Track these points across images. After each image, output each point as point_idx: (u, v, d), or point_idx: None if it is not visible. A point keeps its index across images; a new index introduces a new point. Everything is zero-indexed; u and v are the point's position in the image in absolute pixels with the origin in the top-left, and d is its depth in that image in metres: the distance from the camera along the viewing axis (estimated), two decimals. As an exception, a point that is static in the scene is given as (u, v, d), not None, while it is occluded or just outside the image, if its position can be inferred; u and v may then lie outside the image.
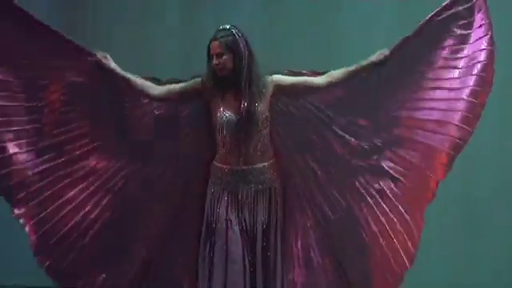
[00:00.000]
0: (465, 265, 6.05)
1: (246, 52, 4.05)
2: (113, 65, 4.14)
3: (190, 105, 4.22)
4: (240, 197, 4.12)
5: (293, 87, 4.18)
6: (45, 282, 6.18)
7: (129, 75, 4.15)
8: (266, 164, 4.15)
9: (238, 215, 4.10)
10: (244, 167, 4.10)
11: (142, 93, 4.15)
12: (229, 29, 4.07)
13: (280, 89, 4.17)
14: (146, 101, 4.19)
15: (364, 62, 4.20)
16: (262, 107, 4.07)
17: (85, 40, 6.35)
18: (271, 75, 4.18)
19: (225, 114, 4.06)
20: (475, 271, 6.05)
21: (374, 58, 4.20)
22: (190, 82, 4.16)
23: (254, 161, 4.11)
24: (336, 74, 4.21)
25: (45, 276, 6.12)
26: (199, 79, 4.14)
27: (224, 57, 4.03)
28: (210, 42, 4.06)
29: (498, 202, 6.06)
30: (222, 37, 4.04)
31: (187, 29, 6.14)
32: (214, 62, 4.03)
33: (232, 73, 4.05)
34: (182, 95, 4.17)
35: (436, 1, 4.39)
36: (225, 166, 4.12)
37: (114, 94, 4.17)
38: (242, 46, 4.05)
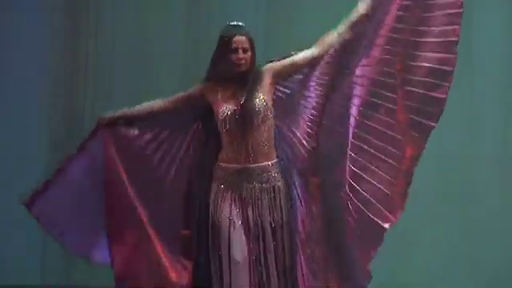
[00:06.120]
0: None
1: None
2: (114, 115, 4.20)
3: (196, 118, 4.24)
4: (244, 196, 4.13)
5: (292, 65, 4.13)
6: (45, 281, 6.20)
7: (135, 109, 4.20)
8: (270, 163, 4.15)
9: (242, 214, 4.11)
10: (249, 165, 4.11)
11: (151, 114, 4.19)
12: (245, 27, 4.08)
13: (278, 73, 4.14)
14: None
15: (353, 18, 4.08)
16: (260, 97, 4.08)
17: (87, 41, 6.40)
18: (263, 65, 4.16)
19: (226, 107, 4.07)
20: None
21: (361, 9, 4.08)
22: (194, 87, 4.18)
23: (260, 158, 4.11)
24: (329, 38, 4.12)
25: (44, 275, 6.16)
26: (200, 84, 4.16)
27: (249, 53, 4.04)
28: (233, 36, 4.02)
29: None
30: (247, 33, 4.05)
31: (190, 29, 6.15)
32: (239, 55, 4.02)
33: (248, 70, 4.06)
34: (188, 101, 4.18)
35: None
36: (230, 166, 4.12)
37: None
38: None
